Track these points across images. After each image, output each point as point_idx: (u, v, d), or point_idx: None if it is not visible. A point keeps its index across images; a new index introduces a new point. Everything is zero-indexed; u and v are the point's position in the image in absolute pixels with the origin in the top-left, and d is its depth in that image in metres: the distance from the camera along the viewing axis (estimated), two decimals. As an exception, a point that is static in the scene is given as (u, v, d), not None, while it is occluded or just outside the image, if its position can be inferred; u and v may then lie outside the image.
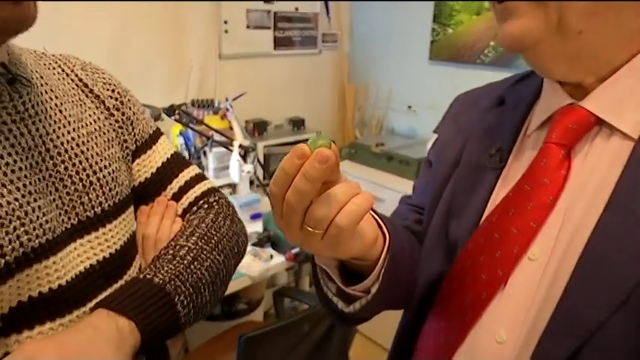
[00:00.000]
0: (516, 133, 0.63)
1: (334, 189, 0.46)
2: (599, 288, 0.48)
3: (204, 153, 2.12)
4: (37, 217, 0.56)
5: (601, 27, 0.50)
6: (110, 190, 0.66)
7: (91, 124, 0.68)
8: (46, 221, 0.57)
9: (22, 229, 0.54)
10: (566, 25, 0.50)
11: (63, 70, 0.69)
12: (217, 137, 2.05)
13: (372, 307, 0.58)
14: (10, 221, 0.53)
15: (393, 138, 2.80)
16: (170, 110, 1.83)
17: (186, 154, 2.15)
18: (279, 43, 2.70)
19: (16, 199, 0.54)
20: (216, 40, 2.44)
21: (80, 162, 0.64)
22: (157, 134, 0.79)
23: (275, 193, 0.46)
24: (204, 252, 0.69)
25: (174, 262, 0.66)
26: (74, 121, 0.65)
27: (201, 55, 2.40)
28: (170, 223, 0.73)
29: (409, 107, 2.81)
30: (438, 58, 2.63)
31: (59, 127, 0.63)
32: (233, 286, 1.65)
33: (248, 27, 2.54)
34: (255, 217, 1.94)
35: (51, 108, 0.63)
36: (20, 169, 0.56)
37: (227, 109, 2.15)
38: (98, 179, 0.65)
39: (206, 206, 0.76)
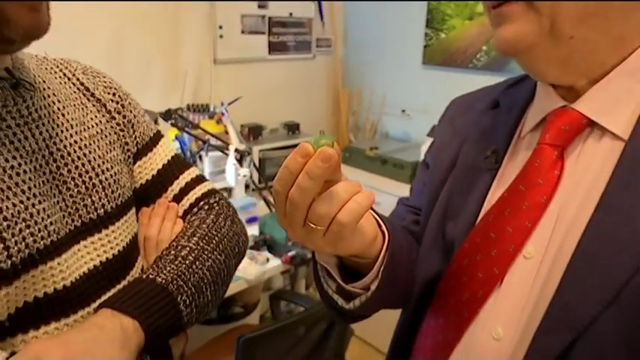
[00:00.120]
0: (511, 135, 0.64)
1: (336, 187, 0.47)
2: (591, 285, 0.49)
3: (200, 157, 2.13)
4: (42, 218, 0.56)
5: (590, 32, 0.51)
6: (112, 192, 0.67)
7: (93, 127, 0.68)
8: (51, 223, 0.58)
9: (27, 230, 0.54)
10: (559, 30, 0.51)
11: (64, 75, 0.70)
12: (213, 141, 2.06)
13: (371, 304, 0.60)
14: (16, 223, 0.54)
15: (387, 142, 2.82)
16: (167, 115, 1.84)
17: (181, 158, 2.15)
18: (273, 47, 2.71)
19: (21, 202, 0.55)
20: (211, 45, 2.45)
21: (83, 165, 0.64)
22: (158, 137, 0.80)
23: (279, 190, 0.47)
24: (206, 252, 0.70)
25: (176, 263, 0.66)
26: (77, 125, 0.66)
27: (197, 60, 2.41)
28: (171, 225, 0.74)
29: (403, 111, 2.83)
30: (431, 62, 2.65)
31: (62, 131, 0.63)
32: (229, 289, 1.65)
33: (243, 32, 2.56)
34: (250, 220, 1.95)
35: (54, 112, 0.63)
36: (25, 172, 0.57)
37: (222, 114, 2.16)
38: (101, 182, 0.66)
39: (207, 207, 0.77)
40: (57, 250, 0.58)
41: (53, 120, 0.63)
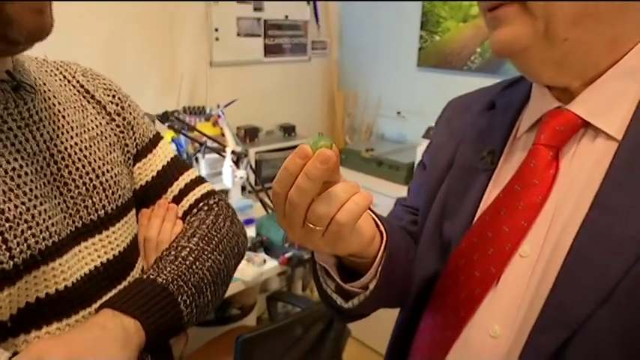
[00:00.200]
0: (507, 136, 0.65)
1: (335, 187, 0.48)
2: (586, 284, 0.50)
3: (197, 159, 2.13)
4: (43, 220, 0.57)
5: (584, 34, 0.52)
6: (113, 193, 0.68)
7: (93, 129, 0.69)
8: (52, 224, 0.58)
9: (29, 232, 0.55)
10: (553, 32, 0.52)
11: (64, 77, 0.71)
12: (209, 144, 2.06)
13: (370, 303, 0.60)
14: (18, 224, 0.54)
15: (383, 143, 2.83)
16: (164, 117, 1.85)
17: (178, 160, 2.16)
18: (269, 50, 2.72)
19: (23, 203, 0.55)
20: (207, 47, 2.46)
21: (83, 166, 0.65)
22: (157, 138, 0.80)
23: (278, 192, 0.48)
24: (206, 253, 0.70)
25: (177, 263, 0.67)
26: (77, 127, 0.66)
27: (193, 63, 2.41)
28: (171, 226, 0.75)
29: (398, 113, 2.85)
30: (425, 64, 2.67)
31: (62, 133, 0.64)
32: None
33: (238, 35, 2.56)
34: (247, 222, 1.95)
35: (54, 114, 0.64)
36: (26, 173, 0.57)
37: (218, 116, 2.17)
38: (101, 183, 0.66)
39: (206, 208, 0.78)
40: (58, 251, 0.58)
41: (54, 122, 0.63)
